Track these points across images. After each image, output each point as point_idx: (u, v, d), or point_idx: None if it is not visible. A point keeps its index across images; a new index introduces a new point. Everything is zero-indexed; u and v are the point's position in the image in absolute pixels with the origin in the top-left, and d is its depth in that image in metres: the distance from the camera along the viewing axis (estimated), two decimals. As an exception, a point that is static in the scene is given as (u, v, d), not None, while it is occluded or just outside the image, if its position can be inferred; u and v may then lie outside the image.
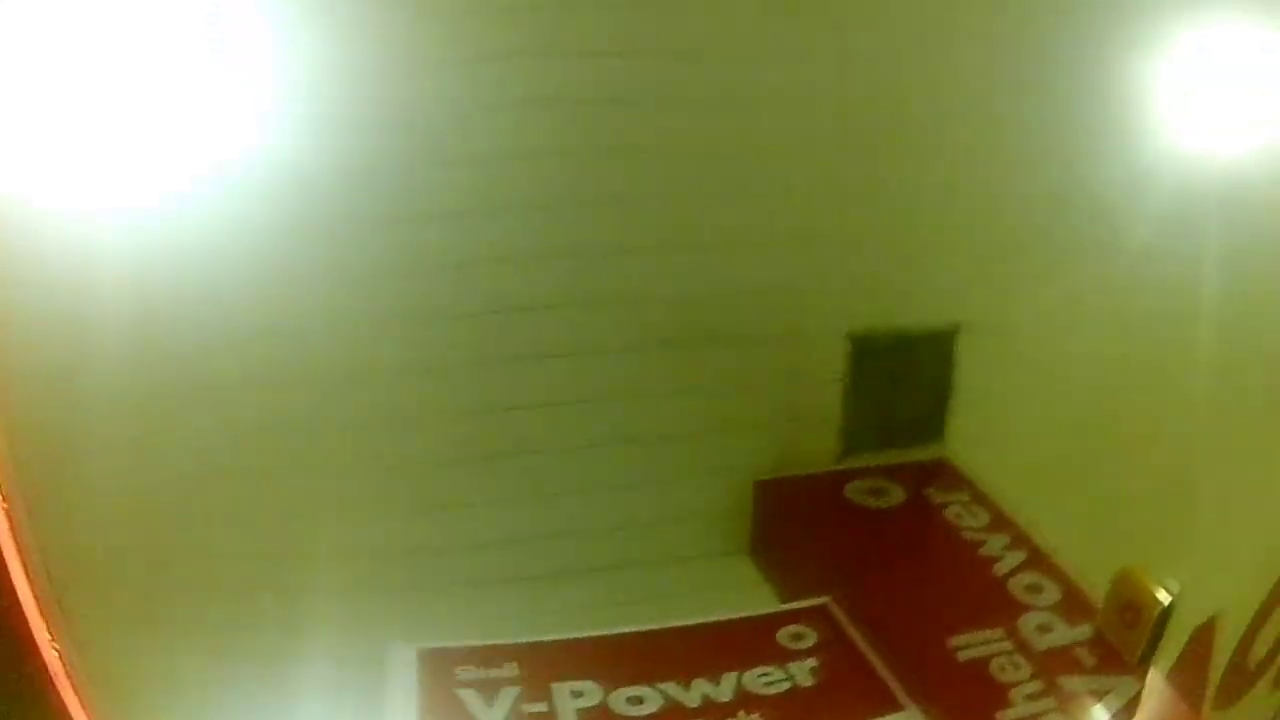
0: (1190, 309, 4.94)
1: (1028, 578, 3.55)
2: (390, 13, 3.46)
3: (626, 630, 3.74)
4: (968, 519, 4.09)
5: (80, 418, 2.86)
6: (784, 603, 4.28)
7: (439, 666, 3.44)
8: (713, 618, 3.82)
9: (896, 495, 4.99)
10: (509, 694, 3.34)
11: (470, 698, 3.26)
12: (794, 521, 4.66)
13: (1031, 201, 4.50)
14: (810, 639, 3.90)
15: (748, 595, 4.36)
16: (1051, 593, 3.34)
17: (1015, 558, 3.75)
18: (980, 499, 4.14)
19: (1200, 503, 4.34)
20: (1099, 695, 3.57)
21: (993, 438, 4.99)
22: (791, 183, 4.65)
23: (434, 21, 3.65)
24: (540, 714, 3.51)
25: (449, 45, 3.77)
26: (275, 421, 3.69)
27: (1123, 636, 3.09)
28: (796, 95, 4.40)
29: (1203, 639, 3.47)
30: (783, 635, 3.89)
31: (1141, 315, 4.98)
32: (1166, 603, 2.81)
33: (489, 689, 3.32)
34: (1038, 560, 3.67)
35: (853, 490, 5.01)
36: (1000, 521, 4.03)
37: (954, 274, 4.69)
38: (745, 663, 3.63)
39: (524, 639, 3.66)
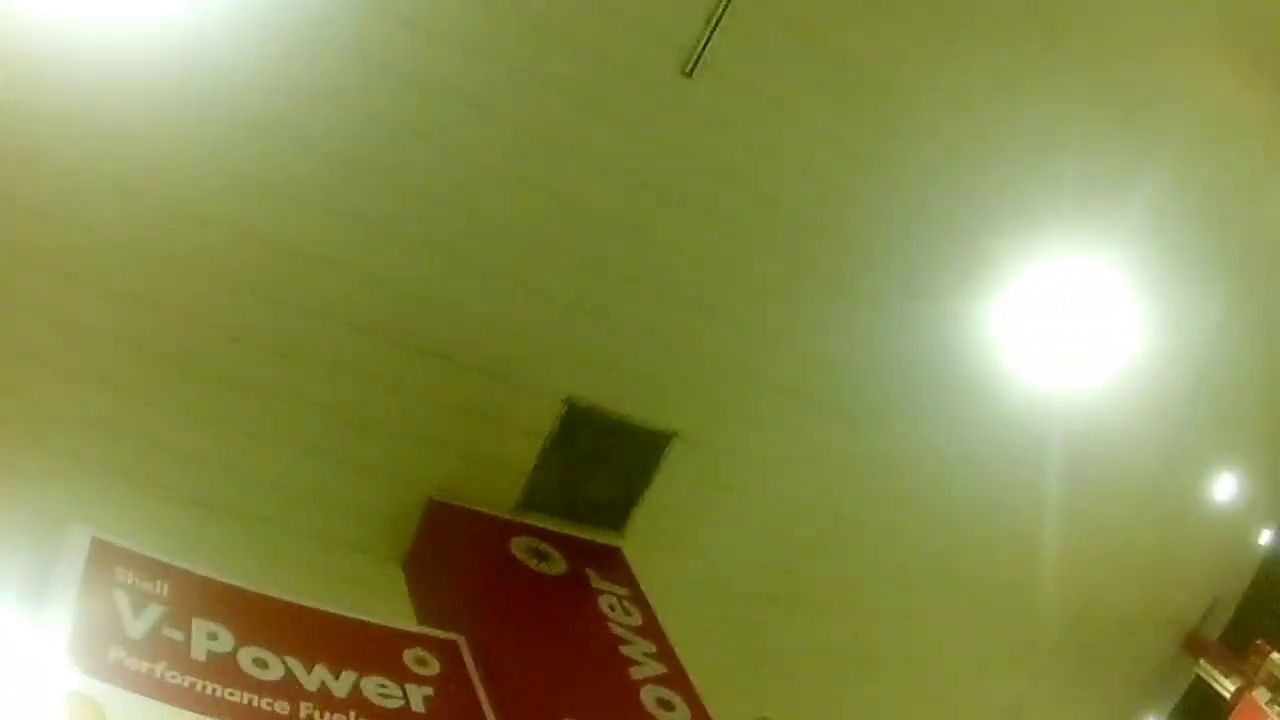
0: (916, 499, 5.27)
1: (662, 691, 3.64)
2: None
3: (275, 595, 3.66)
4: (620, 614, 4.17)
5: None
6: (421, 623, 4.27)
7: (104, 561, 3.30)
8: (353, 614, 3.78)
9: (558, 565, 5.08)
10: (155, 611, 3.23)
11: (122, 601, 3.14)
12: (453, 550, 4.68)
13: (787, 357, 4.71)
14: (434, 667, 3.91)
15: (389, 603, 4.32)
16: (681, 713, 3.45)
17: (654, 668, 3.84)
18: (639, 600, 4.23)
19: (855, 670, 4.65)
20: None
21: (674, 547, 5.17)
22: (575, 248, 4.74)
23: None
24: (176, 641, 3.41)
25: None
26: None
27: (741, 774, 3.28)
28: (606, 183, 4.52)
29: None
30: (409, 655, 3.88)
31: (856, 491, 5.27)
32: (790, 760, 3.06)
33: (139, 599, 3.21)
34: (677, 679, 3.78)
35: (518, 544, 5.08)
36: (652, 628, 4.12)
37: (696, 387, 4.86)
38: (368, 668, 3.61)
39: (181, 560, 3.52)
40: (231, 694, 3.60)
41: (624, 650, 5.02)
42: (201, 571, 4.36)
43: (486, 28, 4.82)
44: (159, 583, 3.68)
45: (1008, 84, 5.90)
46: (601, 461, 5.69)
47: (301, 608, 4.53)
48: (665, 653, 5.07)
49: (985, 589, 7.63)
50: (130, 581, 3.60)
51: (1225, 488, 9.33)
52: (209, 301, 4.59)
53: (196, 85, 4.40)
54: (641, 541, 5.31)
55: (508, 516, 5.22)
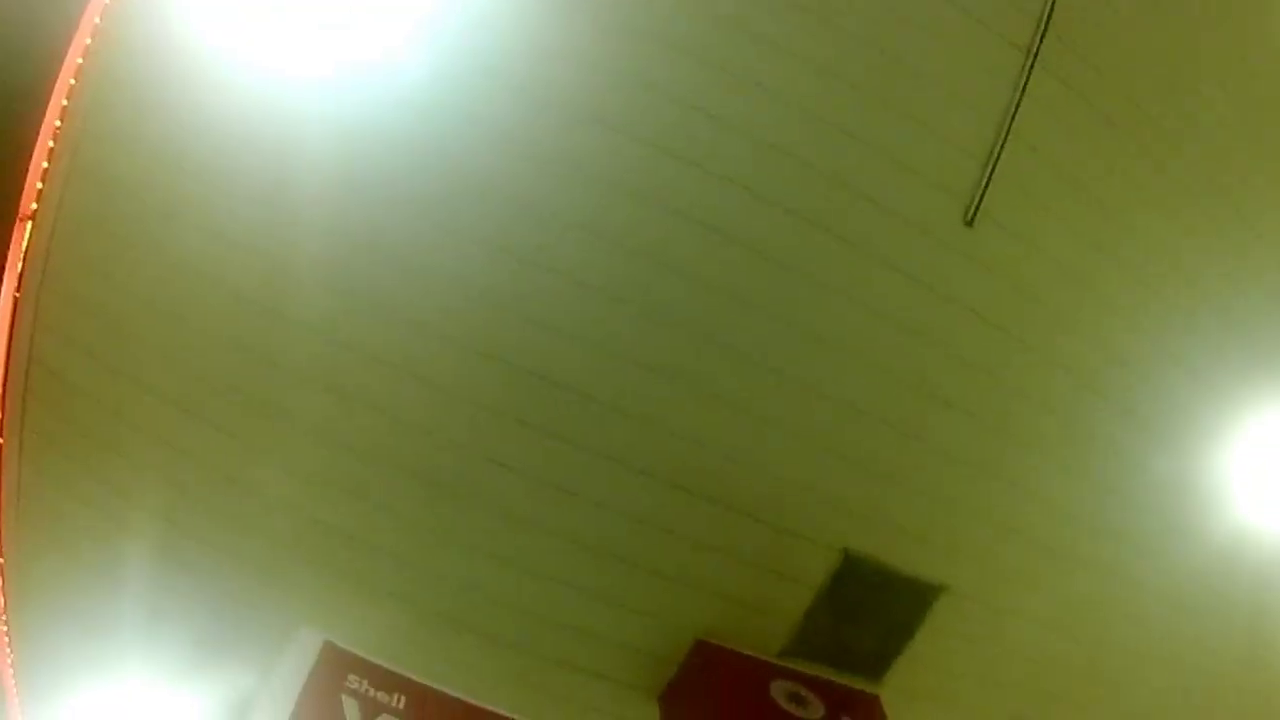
0: (1171, 653, 4.94)
1: None
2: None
3: (517, 720, 3.68)
4: (871, 761, 4.00)
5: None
6: (672, 759, 4.16)
7: (335, 665, 3.46)
8: (594, 751, 3.75)
9: (815, 710, 5.00)
10: (385, 722, 3.31)
11: (351, 708, 3.28)
12: (712, 689, 4.69)
13: (1056, 516, 4.56)
14: (672, 808, 3.80)
15: (637, 736, 4.23)
16: None
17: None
18: (895, 748, 4.04)
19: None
20: None
21: (931, 698, 5.03)
22: (859, 403, 4.74)
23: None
24: (402, 756, 3.47)
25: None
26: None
27: None
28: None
29: None
30: (660, 790, 3.79)
31: (1106, 645, 4.98)
32: None
33: (370, 709, 3.34)
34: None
35: (777, 688, 5.03)
36: (900, 777, 3.93)
37: (966, 543, 4.75)
38: (618, 797, 3.55)
39: (420, 676, 3.66)
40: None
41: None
42: (446, 689, 4.61)
43: (768, 173, 4.90)
44: (397, 695, 3.75)
45: (1259, 238, 5.57)
46: (869, 611, 5.56)
47: (547, 734, 4.56)
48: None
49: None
50: (363, 689, 3.66)
51: None
52: (476, 427, 4.72)
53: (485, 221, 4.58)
54: (899, 690, 5.22)
55: (770, 659, 5.36)
